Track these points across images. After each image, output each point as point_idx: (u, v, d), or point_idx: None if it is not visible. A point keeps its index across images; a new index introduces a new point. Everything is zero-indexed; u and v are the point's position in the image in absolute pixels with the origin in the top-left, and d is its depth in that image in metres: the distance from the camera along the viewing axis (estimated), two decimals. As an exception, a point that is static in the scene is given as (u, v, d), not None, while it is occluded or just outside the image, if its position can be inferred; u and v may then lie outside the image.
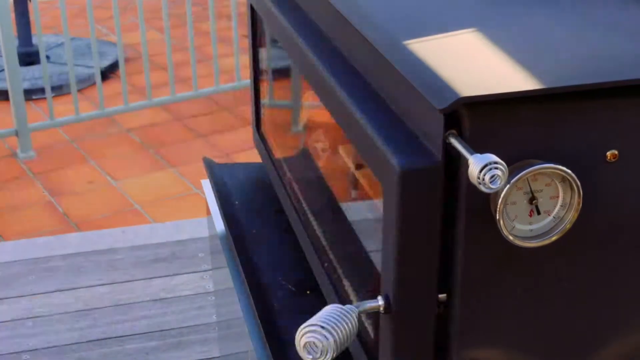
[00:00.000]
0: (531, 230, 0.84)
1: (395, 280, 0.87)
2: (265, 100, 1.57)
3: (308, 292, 1.30)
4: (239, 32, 4.14)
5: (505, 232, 0.83)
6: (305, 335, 0.80)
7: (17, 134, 3.79)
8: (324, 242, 1.20)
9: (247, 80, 3.88)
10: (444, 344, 0.91)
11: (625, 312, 0.94)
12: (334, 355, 0.81)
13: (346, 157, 1.37)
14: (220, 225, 1.54)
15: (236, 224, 1.50)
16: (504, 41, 0.91)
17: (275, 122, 1.56)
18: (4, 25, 3.62)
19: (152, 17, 5.04)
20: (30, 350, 2.51)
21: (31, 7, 4.06)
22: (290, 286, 1.31)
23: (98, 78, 3.99)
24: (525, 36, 0.95)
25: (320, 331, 0.80)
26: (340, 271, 1.14)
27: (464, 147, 0.79)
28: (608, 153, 0.85)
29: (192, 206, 3.31)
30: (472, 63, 0.87)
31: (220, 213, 1.55)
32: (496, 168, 0.76)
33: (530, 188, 0.83)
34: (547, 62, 0.87)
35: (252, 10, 1.48)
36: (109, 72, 4.62)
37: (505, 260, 0.87)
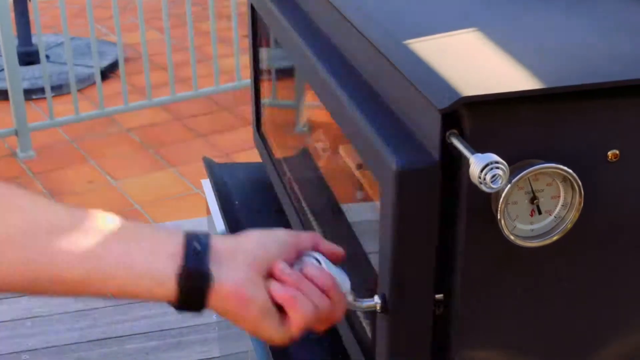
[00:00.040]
0: (532, 230, 0.84)
1: (391, 279, 0.87)
2: (265, 99, 1.57)
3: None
4: (239, 32, 4.14)
5: (506, 232, 0.83)
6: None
7: (17, 133, 3.79)
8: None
9: (247, 80, 3.88)
10: (444, 344, 0.91)
11: (625, 312, 0.94)
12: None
13: (346, 157, 1.37)
14: (220, 225, 1.54)
15: (236, 224, 1.50)
16: (504, 41, 0.91)
17: (275, 122, 1.57)
18: (3, 24, 3.62)
19: (152, 17, 5.04)
20: (30, 350, 2.51)
21: (31, 6, 4.06)
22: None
23: (98, 78, 3.98)
24: (525, 36, 0.95)
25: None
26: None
27: (465, 146, 0.79)
28: (609, 153, 0.85)
29: (192, 206, 3.30)
30: (473, 63, 0.87)
31: (220, 213, 1.55)
32: (497, 168, 0.76)
33: (532, 188, 0.83)
34: (548, 61, 0.87)
35: (253, 9, 1.48)
36: (108, 72, 4.62)
37: (505, 260, 0.87)
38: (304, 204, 1.31)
